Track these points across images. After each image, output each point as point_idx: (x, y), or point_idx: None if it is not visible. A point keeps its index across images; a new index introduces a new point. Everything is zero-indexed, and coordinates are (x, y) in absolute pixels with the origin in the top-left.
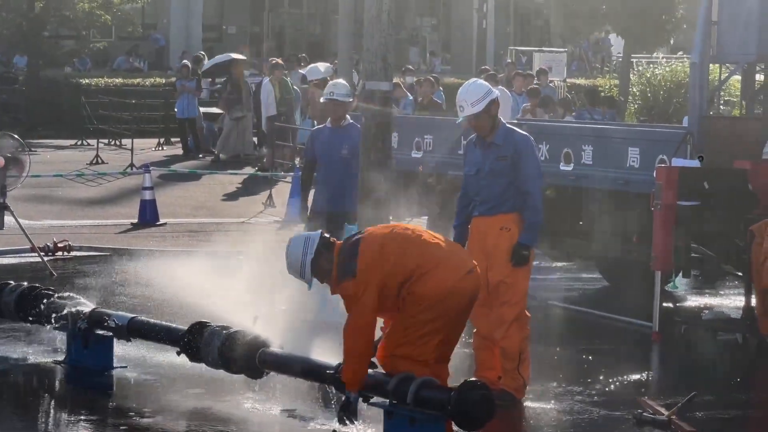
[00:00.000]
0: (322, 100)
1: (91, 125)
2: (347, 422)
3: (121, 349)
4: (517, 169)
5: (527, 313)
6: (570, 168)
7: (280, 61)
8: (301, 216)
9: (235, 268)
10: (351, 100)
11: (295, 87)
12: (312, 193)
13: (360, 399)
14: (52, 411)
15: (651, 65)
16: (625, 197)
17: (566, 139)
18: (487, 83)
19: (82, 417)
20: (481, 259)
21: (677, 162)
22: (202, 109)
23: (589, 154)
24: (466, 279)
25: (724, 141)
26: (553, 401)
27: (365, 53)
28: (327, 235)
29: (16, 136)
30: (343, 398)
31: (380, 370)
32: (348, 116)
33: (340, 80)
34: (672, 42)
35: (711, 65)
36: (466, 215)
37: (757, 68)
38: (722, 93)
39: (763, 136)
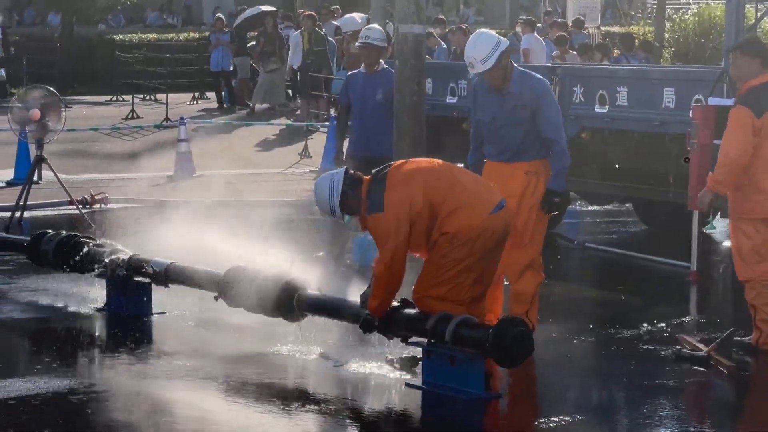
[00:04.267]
0: (357, 44)
1: (126, 81)
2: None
3: (159, 295)
4: (538, 117)
5: (540, 260)
6: (605, 110)
7: (310, 12)
8: (336, 162)
9: (270, 216)
10: (386, 45)
11: (329, 38)
12: (347, 140)
13: (399, 339)
14: (93, 357)
15: (680, 11)
16: (661, 138)
17: (601, 81)
18: (495, 34)
19: (124, 362)
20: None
21: (713, 101)
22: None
23: (624, 96)
24: (496, 216)
25: None
26: (593, 339)
27: None
28: (351, 172)
29: (49, 88)
30: (363, 318)
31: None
32: (382, 61)
33: (375, 25)
34: None
35: (746, 5)
36: (480, 156)
37: None
38: (758, 34)
39: None
